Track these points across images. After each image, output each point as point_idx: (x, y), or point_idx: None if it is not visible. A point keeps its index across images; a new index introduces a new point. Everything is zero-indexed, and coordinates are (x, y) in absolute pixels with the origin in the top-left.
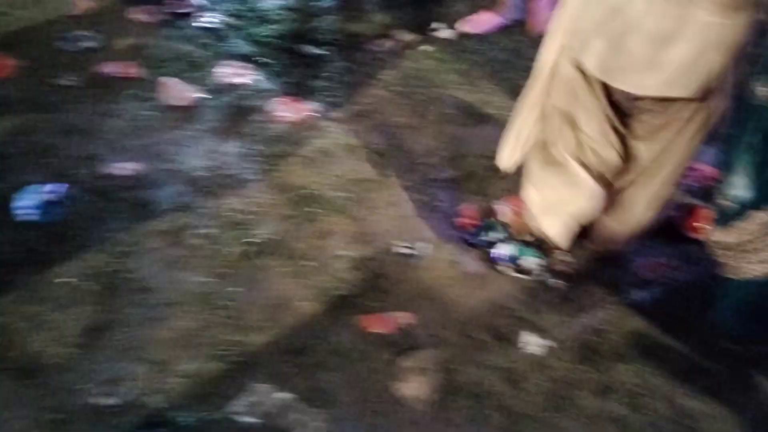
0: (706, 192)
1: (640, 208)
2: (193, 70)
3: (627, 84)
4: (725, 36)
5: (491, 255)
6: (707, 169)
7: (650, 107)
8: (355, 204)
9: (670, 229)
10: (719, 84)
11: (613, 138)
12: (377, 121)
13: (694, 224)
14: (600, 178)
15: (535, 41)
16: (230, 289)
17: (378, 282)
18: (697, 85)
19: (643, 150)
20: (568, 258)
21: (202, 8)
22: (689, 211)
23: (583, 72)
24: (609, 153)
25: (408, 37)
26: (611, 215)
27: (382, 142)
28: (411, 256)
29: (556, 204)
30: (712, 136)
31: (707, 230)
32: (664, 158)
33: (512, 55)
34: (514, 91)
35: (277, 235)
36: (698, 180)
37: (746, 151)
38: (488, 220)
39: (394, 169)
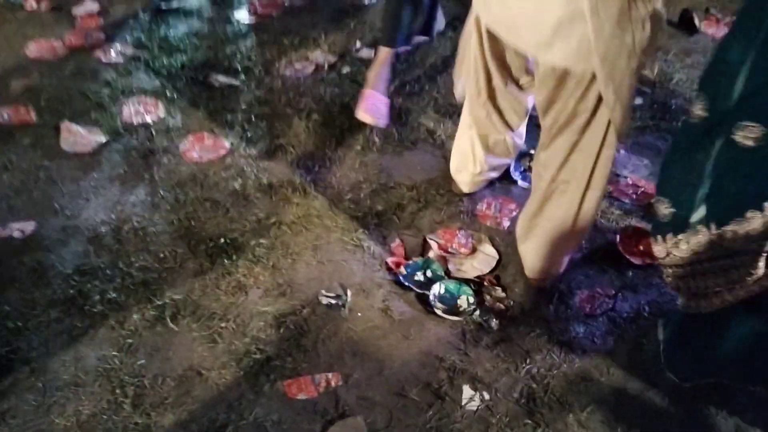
0: (648, 211)
1: (558, 220)
2: (95, 110)
3: (510, 37)
4: (601, 10)
5: (425, 296)
6: (648, 186)
7: (541, 79)
8: (275, 251)
9: (610, 255)
10: (609, 77)
11: (484, 97)
12: (297, 156)
13: (637, 248)
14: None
15: None
16: (136, 362)
17: (301, 340)
18: (570, 57)
19: (543, 157)
20: (504, 294)
21: (105, 41)
22: (631, 233)
23: (479, 32)
24: (478, 111)
25: (328, 59)
26: (535, 232)
27: (303, 179)
28: (337, 306)
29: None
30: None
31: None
32: (571, 165)
33: (435, 70)
34: (443, 112)
35: (190, 294)
36: (639, 198)
37: (680, 169)
38: (420, 258)
39: (316, 209)
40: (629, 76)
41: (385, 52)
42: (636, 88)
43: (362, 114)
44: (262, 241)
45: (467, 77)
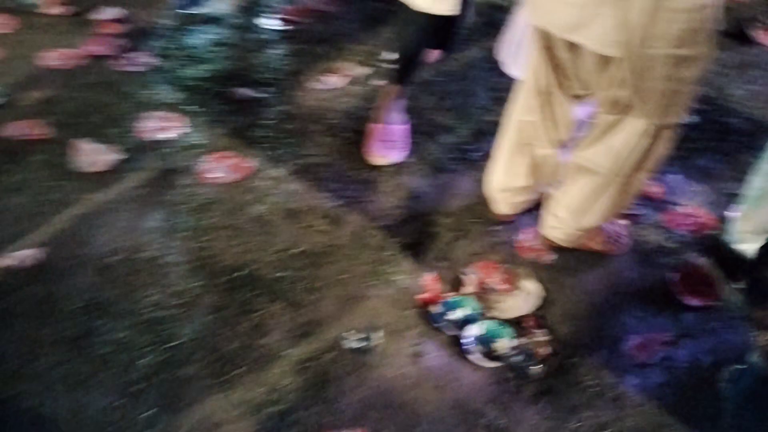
0: (704, 245)
1: (586, 204)
2: (111, 126)
3: (545, 20)
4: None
5: (460, 339)
6: (705, 216)
7: (585, 66)
8: (298, 286)
9: (665, 295)
10: (662, 80)
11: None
12: (325, 176)
13: (695, 287)
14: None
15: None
16: (143, 413)
17: (324, 390)
18: (610, 43)
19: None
20: (548, 337)
21: (126, 50)
22: (687, 271)
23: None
24: (532, 114)
25: (356, 69)
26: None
27: (331, 203)
28: (363, 350)
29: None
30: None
31: None
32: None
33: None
34: (479, 129)
35: (204, 334)
36: (695, 229)
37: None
38: (455, 295)
39: (343, 238)
40: (661, 67)
41: (393, 88)
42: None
43: (371, 157)
44: (284, 274)
45: (525, 72)
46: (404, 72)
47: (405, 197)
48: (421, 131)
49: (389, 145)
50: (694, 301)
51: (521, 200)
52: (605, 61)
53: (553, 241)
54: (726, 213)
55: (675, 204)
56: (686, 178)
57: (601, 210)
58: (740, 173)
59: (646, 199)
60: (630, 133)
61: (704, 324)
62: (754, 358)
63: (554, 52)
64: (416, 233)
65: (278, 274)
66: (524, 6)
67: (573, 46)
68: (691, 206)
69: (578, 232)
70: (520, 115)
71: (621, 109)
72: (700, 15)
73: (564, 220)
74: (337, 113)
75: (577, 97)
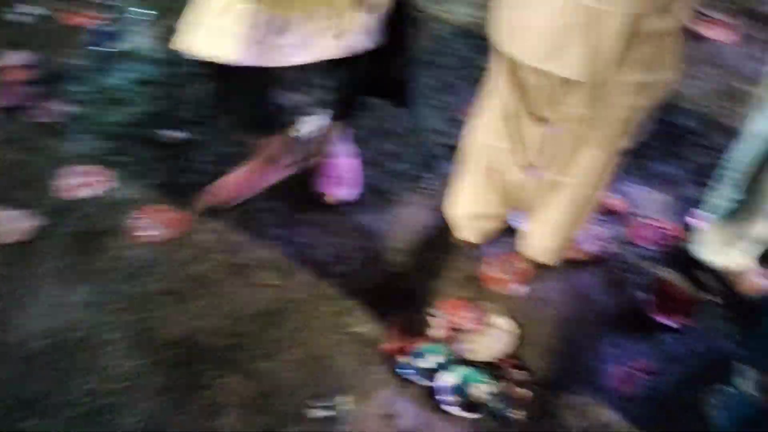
0: (673, 258)
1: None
2: (25, 188)
3: (514, 48)
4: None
5: (432, 389)
6: (672, 227)
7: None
8: (252, 352)
9: (640, 318)
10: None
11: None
12: (271, 223)
13: (670, 306)
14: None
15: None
16: None
17: None
18: (580, 71)
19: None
20: (527, 377)
21: (35, 98)
22: (659, 288)
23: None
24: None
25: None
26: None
27: (280, 253)
28: (331, 419)
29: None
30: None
31: None
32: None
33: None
34: (435, 151)
35: (151, 420)
36: (660, 241)
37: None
38: (424, 342)
39: (297, 291)
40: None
41: (336, 123)
42: None
43: (320, 196)
44: (235, 341)
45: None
46: (344, 109)
47: (360, 237)
48: (370, 162)
49: (338, 181)
50: (671, 321)
51: (492, 227)
52: (573, 83)
53: (537, 261)
54: (690, 221)
55: (638, 216)
56: (646, 187)
57: (581, 218)
58: (700, 176)
59: (609, 214)
60: (590, 156)
61: (684, 345)
62: (742, 384)
63: (521, 76)
64: (376, 276)
65: (229, 341)
66: (491, 33)
67: (540, 71)
68: (655, 217)
69: (562, 245)
70: (486, 139)
71: (585, 128)
72: (670, 38)
73: (547, 237)
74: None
75: (544, 120)
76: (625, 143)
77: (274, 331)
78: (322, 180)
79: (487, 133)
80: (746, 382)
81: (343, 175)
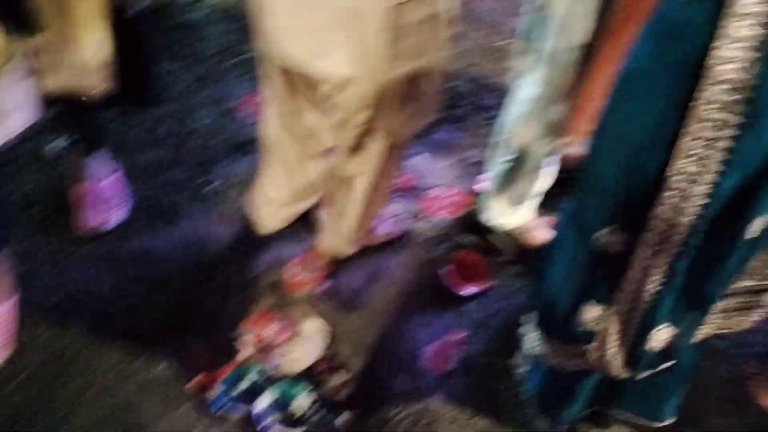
0: (465, 225)
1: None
2: None
3: (280, 52)
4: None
5: (252, 416)
6: (456, 193)
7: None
8: (37, 416)
9: (442, 292)
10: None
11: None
12: (31, 269)
13: (467, 274)
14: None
15: None
16: None
17: None
18: (352, 68)
19: None
20: (346, 378)
21: None
22: (457, 259)
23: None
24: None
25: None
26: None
27: (48, 301)
28: None
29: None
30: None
31: None
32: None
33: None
34: (212, 151)
35: None
36: (451, 210)
37: None
38: (233, 367)
39: (75, 343)
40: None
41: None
42: None
43: (84, 226)
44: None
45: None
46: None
47: (139, 264)
48: (140, 176)
49: (103, 206)
50: (471, 289)
51: (284, 213)
52: (349, 80)
53: (335, 255)
54: (476, 186)
55: (429, 188)
56: (430, 157)
57: (373, 208)
58: (479, 138)
59: (400, 190)
60: (378, 148)
61: (487, 308)
62: (529, 344)
63: (292, 75)
64: (165, 306)
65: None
66: (258, 35)
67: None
68: (445, 186)
69: (357, 235)
70: (272, 131)
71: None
72: (436, 23)
73: (342, 229)
74: (24, 182)
75: (326, 113)
76: (413, 127)
77: (59, 395)
78: (83, 208)
79: (272, 126)
80: (531, 338)
81: (107, 196)
